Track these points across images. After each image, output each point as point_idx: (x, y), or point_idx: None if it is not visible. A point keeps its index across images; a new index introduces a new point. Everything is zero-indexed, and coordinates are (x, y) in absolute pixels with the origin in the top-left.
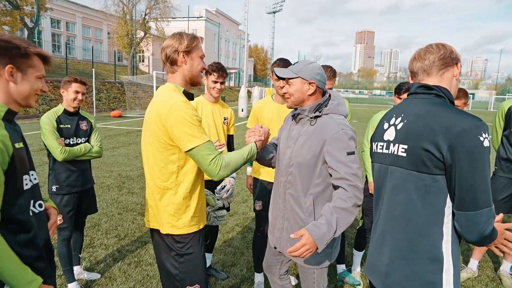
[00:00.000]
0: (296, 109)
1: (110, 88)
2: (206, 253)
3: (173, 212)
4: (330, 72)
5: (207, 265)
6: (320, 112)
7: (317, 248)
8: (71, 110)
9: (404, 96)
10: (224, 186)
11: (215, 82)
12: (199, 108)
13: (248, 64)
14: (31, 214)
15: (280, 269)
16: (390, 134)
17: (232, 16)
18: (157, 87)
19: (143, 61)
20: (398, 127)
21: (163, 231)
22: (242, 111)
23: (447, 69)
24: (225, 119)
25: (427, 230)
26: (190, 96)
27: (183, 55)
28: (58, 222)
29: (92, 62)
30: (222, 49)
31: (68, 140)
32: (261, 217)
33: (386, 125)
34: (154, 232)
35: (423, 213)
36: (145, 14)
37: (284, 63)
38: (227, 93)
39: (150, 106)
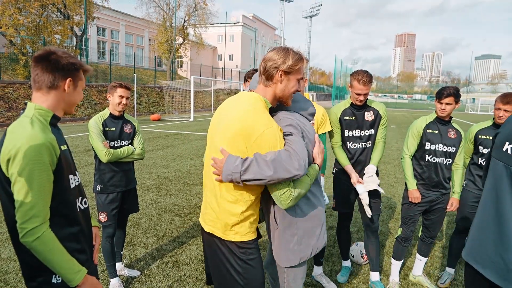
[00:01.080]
0: None
1: (150, 93)
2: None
3: (238, 221)
4: (366, 77)
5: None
6: (274, 112)
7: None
8: (116, 114)
9: (446, 100)
10: None
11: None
12: None
13: None
14: (78, 210)
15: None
16: None
17: (269, 21)
18: (194, 92)
19: (181, 66)
20: None
21: (226, 238)
22: None
23: None
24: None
25: None
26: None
27: (281, 74)
28: (102, 220)
29: (133, 67)
30: (258, 54)
31: (113, 143)
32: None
33: None
34: (212, 237)
35: None
36: (184, 21)
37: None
38: None
39: (227, 110)
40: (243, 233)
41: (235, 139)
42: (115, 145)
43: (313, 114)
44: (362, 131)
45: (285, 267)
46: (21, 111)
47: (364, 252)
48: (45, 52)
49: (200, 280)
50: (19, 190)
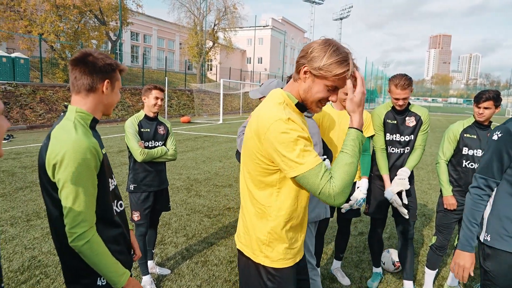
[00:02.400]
0: None
1: (180, 95)
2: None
3: (267, 241)
4: (405, 80)
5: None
6: None
7: None
8: (151, 115)
9: (485, 105)
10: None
11: None
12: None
13: None
14: (115, 213)
15: None
16: None
17: (298, 24)
18: (224, 95)
19: (211, 69)
20: None
21: (255, 260)
22: None
23: None
24: None
25: None
26: (303, 109)
27: (305, 71)
28: (135, 219)
29: (165, 71)
30: (287, 57)
31: (148, 143)
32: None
33: None
34: (242, 253)
35: None
36: (214, 25)
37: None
38: None
39: (252, 117)
40: (274, 259)
41: (252, 140)
42: (150, 145)
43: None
44: (402, 136)
45: None
46: (61, 113)
47: (396, 260)
48: (82, 54)
49: (228, 281)
50: (67, 196)
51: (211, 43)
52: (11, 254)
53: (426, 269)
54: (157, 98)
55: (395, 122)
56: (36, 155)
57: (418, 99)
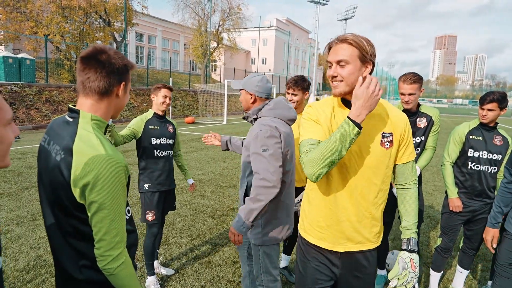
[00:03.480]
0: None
1: (184, 96)
2: (284, 254)
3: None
4: (411, 76)
5: (283, 266)
6: (257, 115)
7: (239, 233)
8: (160, 113)
9: (488, 106)
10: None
11: (287, 93)
12: None
13: (317, 72)
14: (125, 221)
15: (247, 248)
16: None
17: (303, 25)
18: (228, 95)
19: (215, 70)
20: None
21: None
22: None
23: None
24: None
25: None
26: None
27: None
28: (150, 219)
29: (169, 71)
30: (292, 58)
31: (159, 140)
32: None
33: None
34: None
35: None
36: (219, 26)
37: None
38: None
39: None
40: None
41: None
42: (161, 142)
43: (293, 120)
44: (413, 138)
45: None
46: (66, 116)
47: None
48: (95, 51)
49: (232, 282)
50: (104, 218)
51: (215, 44)
52: (17, 253)
53: (431, 271)
54: (165, 96)
55: None
56: None
57: (423, 100)
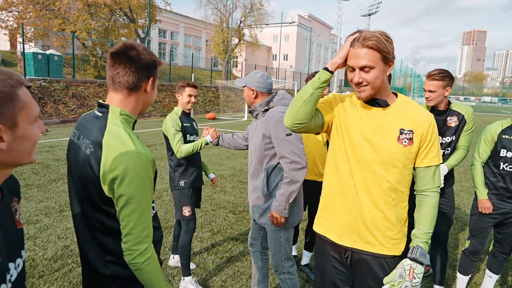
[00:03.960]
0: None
1: (206, 92)
2: (305, 251)
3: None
4: (437, 72)
5: (304, 263)
6: (267, 106)
7: (281, 216)
8: (187, 111)
9: None
10: None
11: None
12: None
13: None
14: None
15: (261, 243)
16: None
17: (325, 20)
18: None
19: (236, 66)
20: None
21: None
22: None
23: None
24: None
25: None
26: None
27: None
28: (187, 214)
29: (191, 67)
30: (313, 54)
31: (192, 137)
32: None
33: None
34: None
35: None
36: (240, 22)
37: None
38: None
39: None
40: None
41: None
42: (192, 139)
43: None
44: (444, 138)
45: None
46: (96, 111)
47: (427, 263)
48: (125, 47)
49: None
50: (132, 212)
51: (237, 40)
52: (46, 243)
53: (458, 274)
54: (190, 95)
55: None
56: None
57: (449, 97)
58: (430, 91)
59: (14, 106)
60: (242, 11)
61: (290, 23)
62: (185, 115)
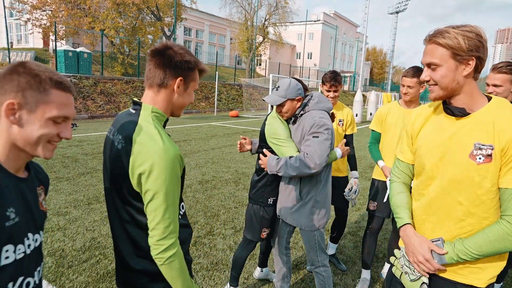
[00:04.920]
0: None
1: (229, 90)
2: (331, 243)
3: None
4: (503, 66)
5: (331, 253)
6: (303, 110)
7: (266, 167)
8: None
9: None
10: (352, 188)
11: (328, 91)
12: None
13: (364, 67)
14: (179, 216)
15: (286, 240)
16: None
17: (351, 18)
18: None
19: (260, 64)
20: None
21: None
22: (357, 116)
23: None
24: (340, 121)
25: None
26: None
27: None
28: (264, 236)
29: (215, 65)
30: (338, 52)
31: None
32: (373, 217)
33: None
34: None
35: None
36: (265, 20)
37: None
38: (340, 97)
39: None
40: None
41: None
42: None
43: (330, 109)
44: None
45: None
46: (130, 109)
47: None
48: (162, 46)
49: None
50: (158, 207)
51: (261, 38)
52: (74, 234)
53: None
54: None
55: None
56: (96, 143)
57: None
58: (495, 85)
59: (38, 96)
60: (267, 9)
61: (315, 21)
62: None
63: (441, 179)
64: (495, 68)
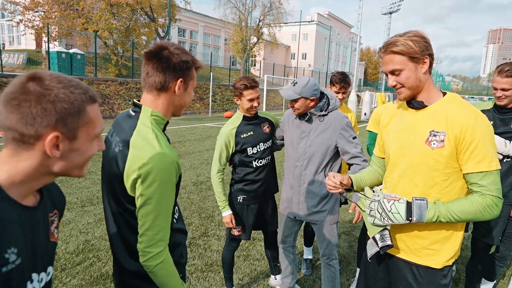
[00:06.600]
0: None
1: (224, 91)
2: (305, 247)
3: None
4: (509, 66)
5: (307, 257)
6: (326, 111)
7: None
8: (249, 115)
9: None
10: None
11: (337, 92)
12: None
13: (358, 67)
14: (174, 221)
15: (293, 239)
16: None
17: (345, 19)
18: (267, 91)
19: (254, 65)
20: None
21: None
22: (365, 115)
23: None
24: None
25: None
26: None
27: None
28: (236, 234)
29: (210, 66)
30: (332, 53)
31: (255, 149)
32: None
33: None
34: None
35: None
36: (259, 21)
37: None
38: None
39: None
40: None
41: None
42: (259, 149)
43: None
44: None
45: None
46: (130, 110)
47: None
48: (157, 48)
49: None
50: (148, 213)
51: (255, 39)
52: (68, 237)
53: (483, 280)
54: (251, 100)
55: (492, 122)
56: None
57: (472, 97)
58: (503, 89)
59: (79, 119)
60: (261, 10)
61: (309, 21)
62: (247, 121)
63: (401, 165)
64: (502, 72)
